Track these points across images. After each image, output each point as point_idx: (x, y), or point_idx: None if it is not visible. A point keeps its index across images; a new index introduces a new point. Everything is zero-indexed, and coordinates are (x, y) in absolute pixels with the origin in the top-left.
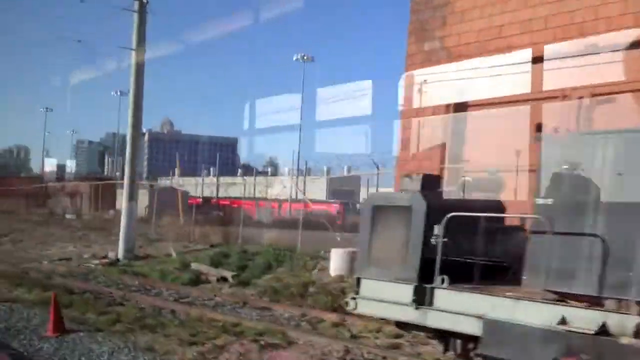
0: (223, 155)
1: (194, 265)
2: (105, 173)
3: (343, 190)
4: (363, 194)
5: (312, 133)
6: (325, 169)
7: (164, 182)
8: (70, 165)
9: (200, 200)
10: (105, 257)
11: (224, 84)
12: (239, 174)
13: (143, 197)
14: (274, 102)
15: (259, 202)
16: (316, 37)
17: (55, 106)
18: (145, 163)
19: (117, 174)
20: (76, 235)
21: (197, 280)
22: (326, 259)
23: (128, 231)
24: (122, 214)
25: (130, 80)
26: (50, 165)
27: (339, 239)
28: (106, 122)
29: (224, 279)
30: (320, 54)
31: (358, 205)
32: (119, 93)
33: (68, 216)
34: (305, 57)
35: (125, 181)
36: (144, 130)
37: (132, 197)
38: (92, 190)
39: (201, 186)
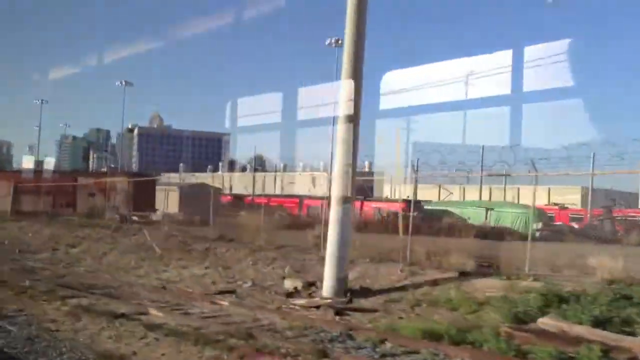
0: (216, 152)
1: (543, 322)
2: (90, 169)
3: (366, 186)
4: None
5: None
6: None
7: (171, 177)
8: (49, 162)
9: (231, 198)
10: (296, 290)
11: (222, 78)
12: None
13: (173, 195)
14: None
15: (303, 200)
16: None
17: (41, 100)
18: (135, 159)
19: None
20: (190, 250)
21: None
22: None
23: (341, 249)
24: (330, 222)
25: (346, 35)
26: (28, 161)
27: None
28: (92, 118)
29: None
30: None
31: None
32: (123, 83)
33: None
34: (339, 42)
35: (337, 173)
36: (129, 125)
37: (349, 198)
38: (131, 188)
39: (221, 182)
